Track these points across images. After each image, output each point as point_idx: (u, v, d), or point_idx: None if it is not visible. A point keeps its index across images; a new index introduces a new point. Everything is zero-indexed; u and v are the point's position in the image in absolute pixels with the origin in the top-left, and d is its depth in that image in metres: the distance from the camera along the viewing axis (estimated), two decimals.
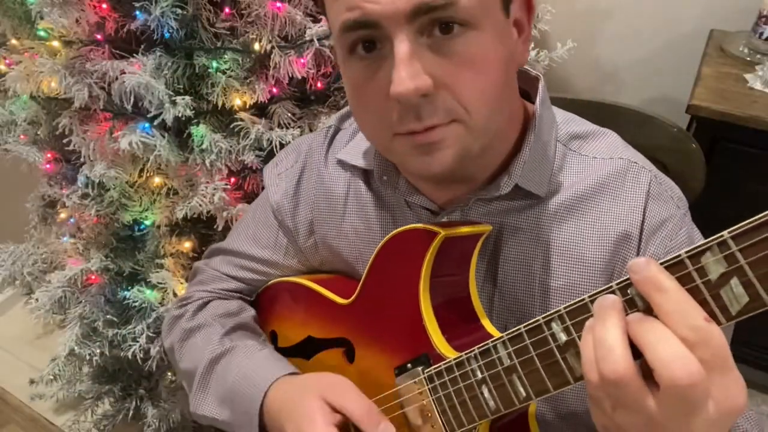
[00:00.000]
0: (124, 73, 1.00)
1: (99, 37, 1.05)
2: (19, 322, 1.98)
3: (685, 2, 1.55)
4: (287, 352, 0.76)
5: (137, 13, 0.99)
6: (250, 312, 0.79)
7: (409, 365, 0.59)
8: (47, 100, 1.18)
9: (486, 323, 0.61)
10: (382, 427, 0.56)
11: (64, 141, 1.13)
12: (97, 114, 1.11)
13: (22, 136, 1.25)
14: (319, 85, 1.15)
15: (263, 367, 0.67)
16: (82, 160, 1.13)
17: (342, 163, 0.71)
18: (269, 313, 0.80)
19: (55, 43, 1.08)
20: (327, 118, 1.15)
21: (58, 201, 1.34)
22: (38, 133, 1.25)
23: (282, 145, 1.09)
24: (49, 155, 1.24)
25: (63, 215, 1.32)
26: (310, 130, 1.16)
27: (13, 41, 1.18)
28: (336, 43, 0.53)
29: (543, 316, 0.47)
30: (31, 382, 1.65)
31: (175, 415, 1.48)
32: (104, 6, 1.01)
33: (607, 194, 0.60)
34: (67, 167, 1.26)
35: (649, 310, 0.40)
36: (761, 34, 1.37)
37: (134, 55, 1.04)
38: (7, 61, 1.15)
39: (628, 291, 0.41)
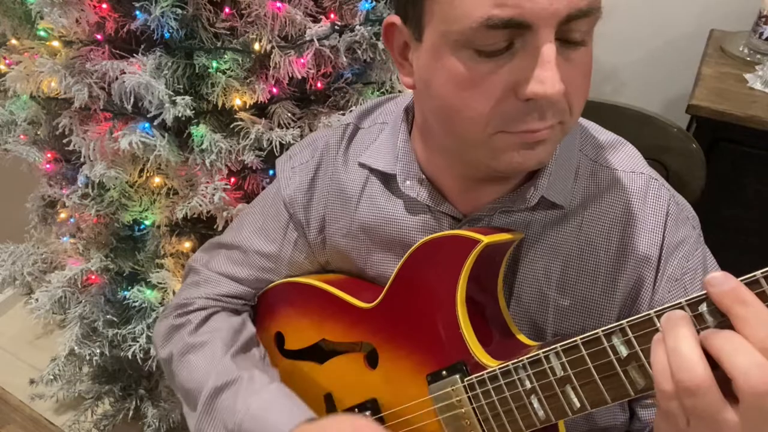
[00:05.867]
0: (124, 73, 1.00)
1: (99, 37, 1.05)
2: (19, 322, 1.98)
3: (685, 2, 1.55)
4: (296, 355, 0.75)
5: (137, 13, 0.99)
6: (252, 329, 0.77)
7: (444, 372, 0.58)
8: (47, 100, 1.18)
9: (516, 331, 0.61)
10: None
11: (64, 141, 1.13)
12: (97, 114, 1.11)
13: (22, 136, 1.25)
14: (319, 85, 1.15)
15: (276, 409, 0.65)
16: (82, 160, 1.13)
17: (362, 165, 0.70)
18: (275, 314, 0.78)
19: (55, 43, 1.08)
20: (327, 118, 1.15)
21: (58, 201, 1.34)
22: (38, 133, 1.25)
23: (282, 145, 1.09)
24: (49, 155, 1.24)
25: (63, 215, 1.32)
26: (311, 130, 1.16)
27: (13, 41, 1.18)
28: (452, 33, 0.47)
29: (603, 329, 0.46)
30: (31, 382, 1.65)
31: (175, 415, 1.48)
32: (104, 6, 1.01)
33: (629, 212, 0.61)
34: (67, 167, 1.26)
35: (719, 327, 0.39)
36: (761, 34, 1.37)
37: (134, 55, 1.03)
38: (7, 61, 1.15)
39: (698, 308, 0.41)
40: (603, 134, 0.66)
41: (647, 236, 0.61)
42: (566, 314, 0.63)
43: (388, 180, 0.68)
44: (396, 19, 0.54)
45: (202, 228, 1.24)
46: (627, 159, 0.64)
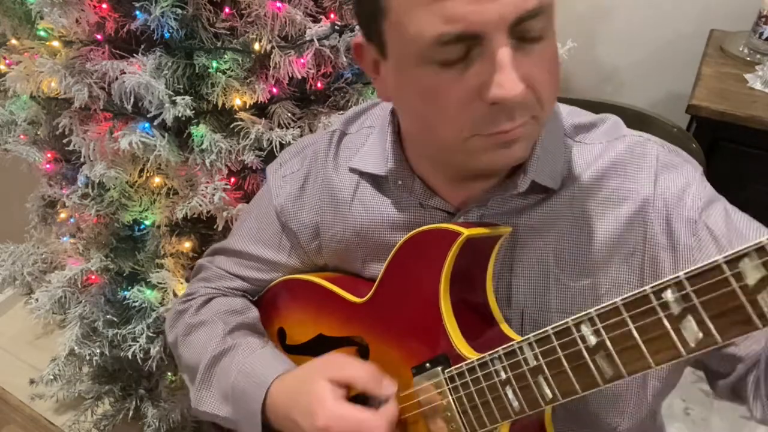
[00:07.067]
0: (124, 73, 1.00)
1: (99, 37, 1.05)
2: (19, 322, 1.98)
3: (685, 2, 1.55)
4: (296, 350, 0.76)
5: (137, 13, 0.99)
6: (254, 312, 0.79)
7: (427, 365, 0.59)
8: (47, 100, 1.18)
9: (503, 326, 0.61)
10: (385, 383, 0.59)
11: (64, 141, 1.13)
12: (97, 114, 1.11)
13: (22, 136, 1.25)
14: (319, 85, 1.15)
15: (264, 364, 0.68)
16: (82, 160, 1.13)
17: (353, 170, 0.71)
18: (277, 310, 0.79)
19: (55, 43, 1.08)
20: (327, 118, 1.15)
21: (58, 201, 1.34)
22: (38, 133, 1.25)
23: (282, 145, 1.09)
24: (49, 155, 1.24)
25: (63, 215, 1.32)
26: (311, 130, 1.16)
27: (13, 41, 1.18)
28: (411, 51, 0.49)
29: (572, 318, 0.47)
30: (31, 382, 1.65)
31: (175, 415, 1.48)
32: (104, 6, 1.01)
33: (616, 174, 0.61)
34: (67, 167, 1.26)
35: (682, 315, 0.40)
36: (761, 34, 1.37)
37: (134, 55, 1.04)
38: (7, 61, 1.15)
39: (662, 295, 0.41)
40: (586, 116, 0.66)
41: (639, 192, 0.60)
42: (570, 297, 0.62)
43: (379, 182, 0.69)
44: (361, 39, 0.56)
45: (202, 228, 1.24)
46: (609, 130, 0.64)
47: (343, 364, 0.61)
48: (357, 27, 0.57)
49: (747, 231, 0.59)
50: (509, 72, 0.46)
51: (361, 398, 0.60)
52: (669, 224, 0.59)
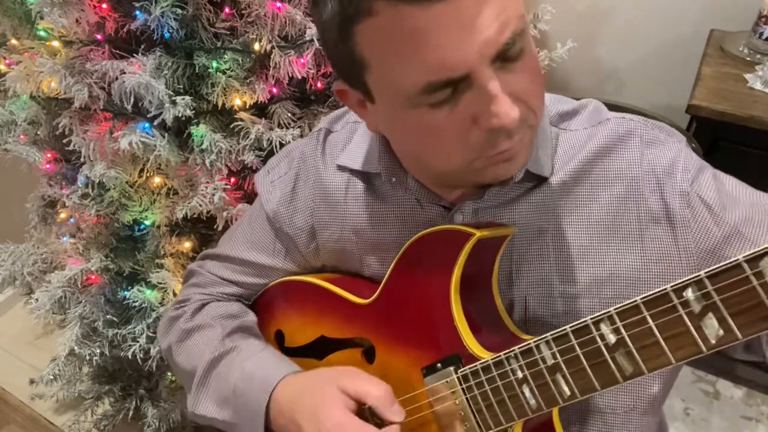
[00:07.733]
0: (124, 73, 1.00)
1: (99, 37, 1.05)
2: (19, 322, 1.98)
3: (685, 2, 1.55)
4: (296, 352, 0.75)
5: (137, 13, 0.99)
6: (252, 316, 0.78)
7: (439, 365, 0.59)
8: (47, 100, 1.18)
9: (510, 324, 0.61)
10: (395, 408, 0.58)
11: (64, 141, 1.13)
12: (97, 114, 1.11)
13: (22, 136, 1.25)
14: (319, 85, 1.15)
15: (268, 365, 0.67)
16: (82, 160, 1.13)
17: (341, 168, 0.70)
18: (274, 312, 0.79)
19: (55, 43, 1.08)
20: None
21: (58, 201, 1.34)
22: (38, 133, 1.25)
23: (282, 145, 1.09)
24: (49, 155, 1.24)
25: (63, 215, 1.32)
26: (310, 131, 1.16)
27: (13, 41, 1.18)
28: (399, 99, 0.50)
29: (591, 317, 0.48)
30: (31, 382, 1.65)
31: (175, 415, 1.48)
32: (104, 6, 1.01)
33: (603, 157, 0.62)
34: (67, 167, 1.26)
35: (702, 313, 0.40)
36: (761, 34, 1.37)
37: (134, 55, 1.04)
38: (7, 61, 1.15)
39: (683, 293, 0.41)
40: (568, 103, 0.67)
41: (627, 171, 0.60)
42: (569, 280, 0.62)
43: (370, 179, 0.69)
44: (343, 85, 0.56)
45: (202, 228, 1.24)
46: (591, 115, 0.65)
47: (359, 377, 0.60)
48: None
49: (737, 194, 0.60)
50: (503, 100, 0.47)
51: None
52: (663, 199, 0.59)
